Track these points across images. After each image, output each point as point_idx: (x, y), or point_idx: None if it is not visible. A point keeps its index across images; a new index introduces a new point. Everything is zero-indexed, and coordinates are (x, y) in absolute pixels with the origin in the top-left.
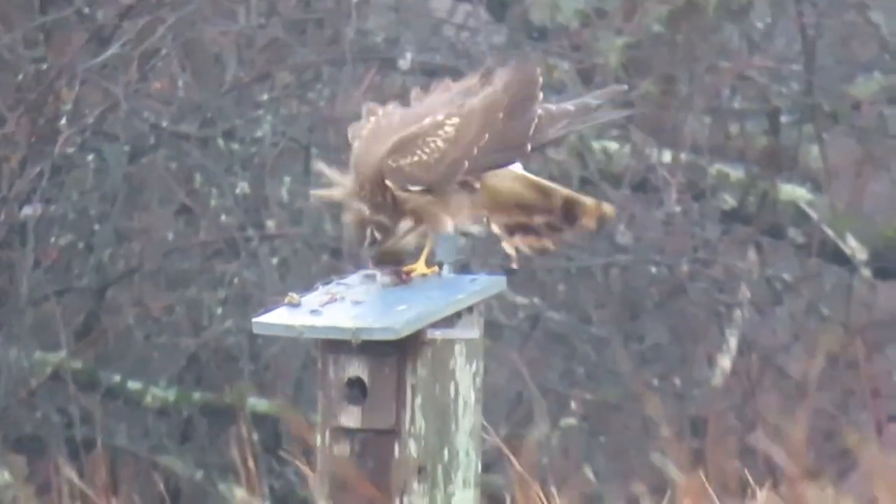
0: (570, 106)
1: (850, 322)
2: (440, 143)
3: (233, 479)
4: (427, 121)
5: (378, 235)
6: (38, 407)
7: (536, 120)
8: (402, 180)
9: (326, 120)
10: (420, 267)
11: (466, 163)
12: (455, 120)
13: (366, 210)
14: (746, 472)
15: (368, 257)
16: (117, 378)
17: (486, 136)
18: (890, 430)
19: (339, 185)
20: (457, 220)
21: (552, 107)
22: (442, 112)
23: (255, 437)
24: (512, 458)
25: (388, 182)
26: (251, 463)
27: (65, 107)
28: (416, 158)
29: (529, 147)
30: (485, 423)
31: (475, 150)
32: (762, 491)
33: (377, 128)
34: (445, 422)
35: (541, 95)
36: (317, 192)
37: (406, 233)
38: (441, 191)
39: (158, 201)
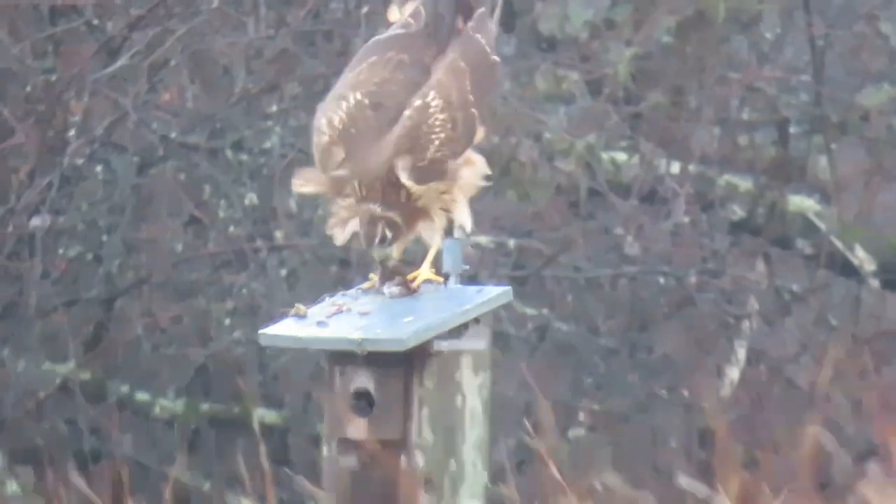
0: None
1: (858, 333)
2: (441, 116)
3: (240, 489)
4: (407, 112)
5: (389, 233)
6: (47, 418)
7: (483, 40)
8: (435, 172)
9: None
10: (424, 272)
11: (475, 111)
12: (431, 93)
13: (377, 209)
14: (755, 483)
15: (377, 258)
16: (125, 389)
17: (466, 83)
18: None
19: (318, 181)
20: (469, 195)
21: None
22: (414, 95)
23: (263, 448)
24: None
25: (409, 181)
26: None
27: (74, 118)
28: (437, 143)
29: (496, 58)
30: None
31: (471, 98)
32: (776, 502)
33: (359, 128)
34: (452, 433)
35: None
36: (298, 186)
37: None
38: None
39: (167, 212)
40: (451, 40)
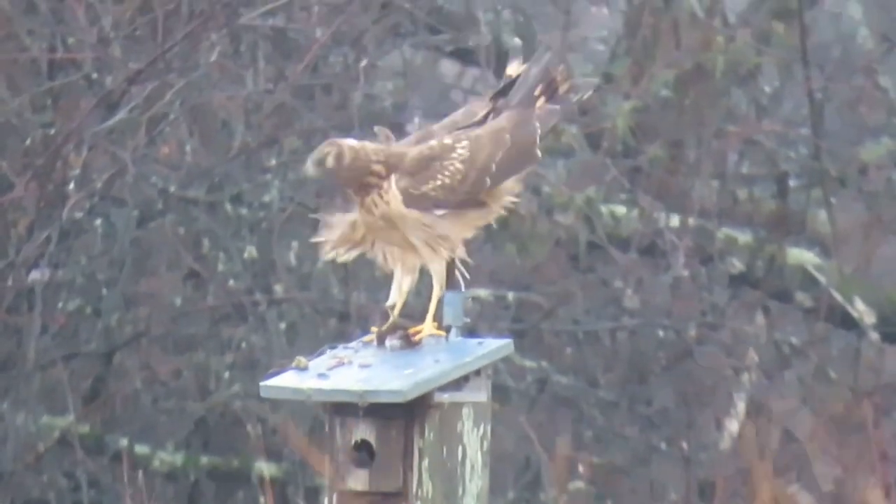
0: (554, 105)
1: (858, 386)
2: (458, 165)
3: None
4: (433, 142)
5: (332, 159)
6: (46, 471)
7: (538, 131)
8: (426, 206)
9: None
10: (427, 327)
11: (488, 180)
12: (465, 143)
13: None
14: None
15: (311, 174)
16: (125, 442)
17: (500, 154)
18: None
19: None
20: (462, 238)
21: (537, 120)
22: (446, 137)
23: (263, 500)
24: None
25: (407, 210)
26: None
27: (73, 171)
28: (438, 183)
29: (539, 153)
30: None
31: (493, 167)
32: None
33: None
34: (453, 485)
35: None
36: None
37: (407, 292)
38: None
39: (166, 266)
40: (522, 104)
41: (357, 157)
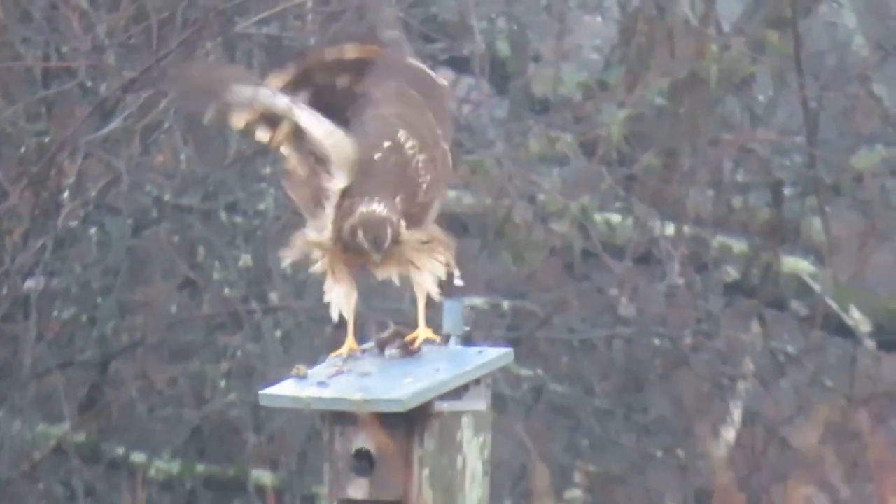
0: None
1: (854, 394)
2: (421, 157)
3: None
4: (379, 154)
5: (391, 236)
6: (41, 480)
7: (445, 86)
8: (429, 214)
9: None
10: (422, 332)
11: (445, 145)
12: (402, 132)
13: (381, 209)
14: None
15: (376, 260)
16: (121, 451)
17: (429, 115)
18: (894, 502)
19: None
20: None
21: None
22: (385, 135)
23: None
24: None
25: (409, 233)
26: None
27: (67, 180)
28: (425, 186)
29: (442, 81)
30: None
31: (439, 132)
32: None
33: None
34: (453, 494)
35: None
36: (287, 257)
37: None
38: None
39: (161, 274)
40: (375, 65)
41: (396, 211)
